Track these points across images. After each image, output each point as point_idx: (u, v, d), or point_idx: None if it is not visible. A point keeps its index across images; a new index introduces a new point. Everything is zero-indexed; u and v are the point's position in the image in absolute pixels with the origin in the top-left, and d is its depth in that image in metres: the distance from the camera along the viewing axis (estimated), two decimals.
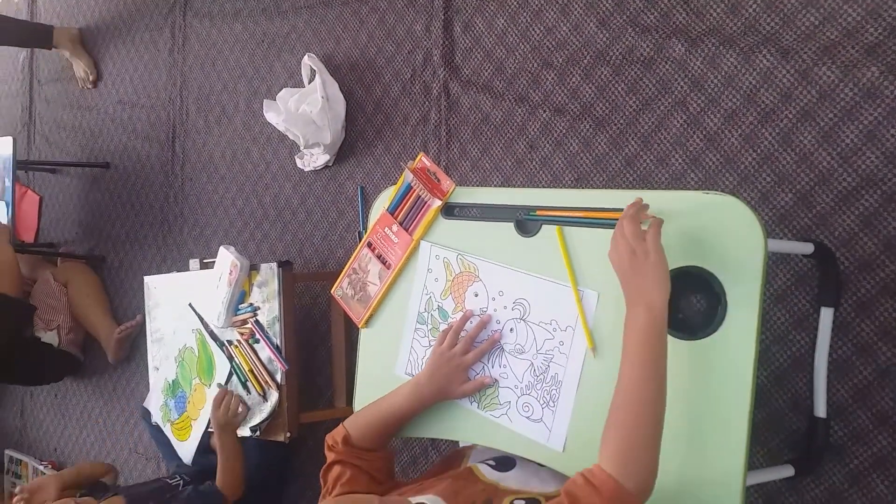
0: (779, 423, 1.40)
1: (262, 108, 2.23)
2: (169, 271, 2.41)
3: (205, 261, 2.07)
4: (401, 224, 1.30)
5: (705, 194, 1.00)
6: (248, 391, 1.86)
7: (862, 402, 1.33)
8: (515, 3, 1.85)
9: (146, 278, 2.23)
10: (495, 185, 1.86)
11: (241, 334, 1.88)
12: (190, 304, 2.02)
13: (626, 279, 0.95)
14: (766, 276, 0.94)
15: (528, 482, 1.04)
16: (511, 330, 1.14)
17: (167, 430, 2.09)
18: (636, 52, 1.64)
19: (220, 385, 1.90)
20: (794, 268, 1.41)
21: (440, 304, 1.24)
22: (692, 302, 1.02)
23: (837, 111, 1.39)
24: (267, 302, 1.84)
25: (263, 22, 2.44)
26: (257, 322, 1.85)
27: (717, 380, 0.96)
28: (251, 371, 1.86)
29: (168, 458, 2.17)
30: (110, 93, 2.98)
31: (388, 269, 1.31)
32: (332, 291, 1.41)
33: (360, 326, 1.36)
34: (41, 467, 3.02)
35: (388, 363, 1.29)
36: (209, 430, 1.93)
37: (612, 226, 1.04)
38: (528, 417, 1.11)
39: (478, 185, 1.88)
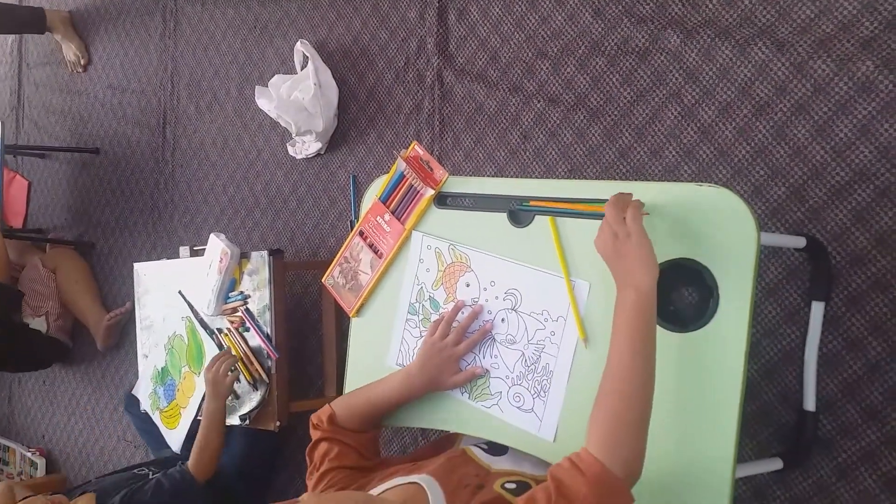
0: (768, 416, 1.41)
1: (253, 94, 2.20)
2: (159, 258, 2.40)
3: (195, 248, 2.06)
4: (393, 213, 1.29)
5: (699, 186, 0.99)
6: (238, 379, 1.86)
7: (851, 397, 1.33)
8: None
9: (136, 265, 2.21)
10: (488, 175, 1.85)
11: (232, 322, 1.87)
12: (180, 292, 2.01)
13: (612, 263, 0.95)
14: (758, 270, 0.94)
15: (520, 464, 1.04)
16: (502, 320, 1.14)
17: (156, 417, 2.08)
18: (631, 42, 1.63)
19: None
20: (786, 261, 1.41)
21: (432, 295, 1.23)
22: (684, 294, 1.02)
23: (832, 105, 1.38)
24: (257, 290, 1.83)
25: (256, 7, 2.42)
26: (247, 310, 1.84)
27: (708, 372, 0.96)
28: (241, 360, 1.85)
29: (154, 448, 2.16)
30: (100, 77, 2.95)
31: (380, 258, 1.31)
32: (323, 280, 1.40)
33: (350, 316, 1.35)
34: (29, 454, 3.01)
35: (378, 353, 1.29)
36: (199, 418, 1.92)
37: (602, 216, 1.04)
38: (518, 408, 1.11)
39: (471, 175, 1.87)
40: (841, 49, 1.38)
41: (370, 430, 1.19)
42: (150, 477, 1.77)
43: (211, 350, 1.91)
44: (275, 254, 1.83)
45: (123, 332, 2.71)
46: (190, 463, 1.76)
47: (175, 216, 2.64)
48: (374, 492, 0.98)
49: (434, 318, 1.21)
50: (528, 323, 1.11)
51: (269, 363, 1.81)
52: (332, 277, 1.38)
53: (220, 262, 1.86)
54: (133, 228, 2.77)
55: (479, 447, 1.10)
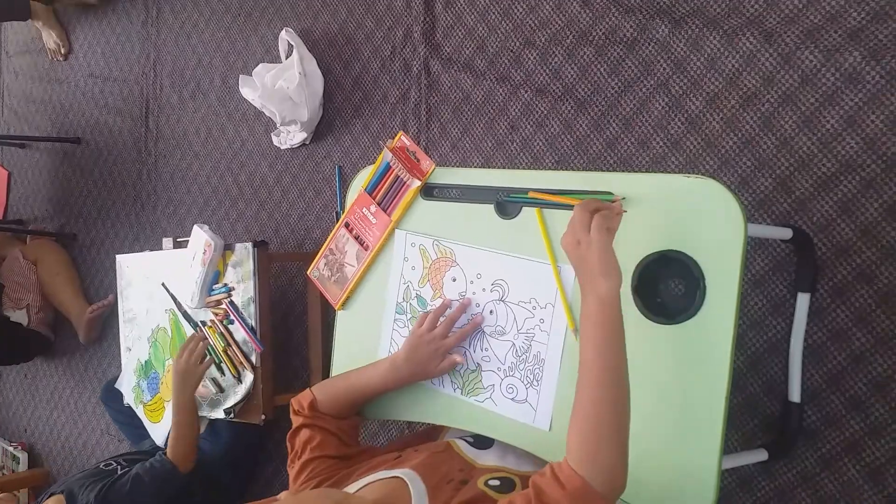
0: (753, 407, 1.41)
1: (237, 83, 2.18)
2: (142, 250, 2.37)
3: (178, 240, 2.03)
4: (379, 204, 1.28)
5: (686, 178, 0.99)
6: (223, 373, 1.84)
7: (835, 388, 1.34)
8: None
9: (118, 257, 2.18)
10: (475, 166, 1.84)
11: (216, 315, 1.85)
12: (163, 284, 1.99)
13: (576, 270, 0.95)
14: (745, 261, 0.93)
15: (505, 458, 1.04)
16: (491, 312, 1.13)
17: (140, 411, 2.06)
18: (619, 32, 1.62)
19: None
20: (772, 253, 1.41)
21: (418, 293, 1.22)
22: (671, 286, 1.01)
23: (818, 96, 1.38)
24: (242, 282, 1.81)
25: None
26: (232, 303, 1.82)
27: (695, 364, 0.96)
28: (225, 352, 1.83)
29: (134, 441, 2.14)
30: (81, 66, 2.90)
31: (366, 250, 1.29)
32: (308, 273, 1.38)
33: (336, 308, 1.34)
34: (11, 448, 2.98)
35: (365, 346, 1.28)
36: None
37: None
38: (512, 399, 1.10)
39: (458, 166, 1.86)
40: (828, 40, 1.37)
41: (351, 416, 1.18)
42: (120, 471, 1.74)
43: None
44: (259, 245, 1.81)
45: (106, 325, 2.68)
46: (168, 454, 1.73)
47: (158, 207, 2.61)
48: (357, 485, 0.97)
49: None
50: (517, 312, 1.11)
51: (254, 356, 1.79)
52: (318, 270, 1.37)
53: (204, 253, 1.84)
54: (115, 219, 2.73)
55: (465, 440, 1.09)
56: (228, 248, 1.85)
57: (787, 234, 1.31)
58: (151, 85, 2.64)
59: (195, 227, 1.88)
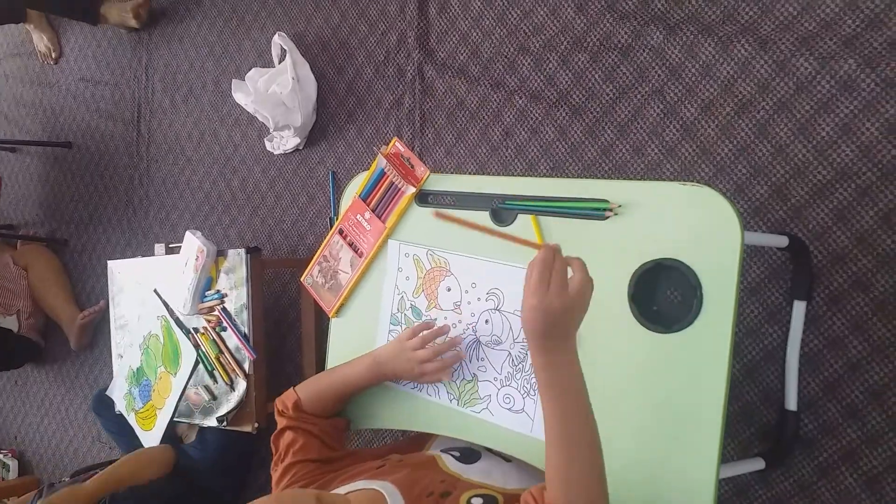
0: (750, 415, 1.40)
1: (230, 88, 2.16)
2: (133, 256, 2.35)
3: (170, 245, 2.02)
4: (373, 211, 1.27)
5: (683, 185, 0.98)
6: (215, 380, 1.82)
7: (832, 396, 1.33)
8: None
9: (110, 263, 2.16)
10: (470, 173, 1.83)
11: (208, 322, 1.83)
12: (155, 290, 1.97)
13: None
14: (742, 270, 0.93)
15: (490, 478, 1.02)
16: (486, 321, 1.12)
17: (131, 419, 2.04)
18: (614, 38, 1.62)
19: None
20: (768, 260, 1.41)
21: (413, 303, 1.21)
22: (667, 294, 1.01)
23: (814, 103, 1.38)
24: (235, 289, 1.80)
25: None
26: (224, 309, 1.81)
27: (692, 373, 0.95)
28: (218, 359, 1.81)
29: (125, 449, 2.12)
30: (72, 69, 2.88)
31: (360, 257, 1.28)
32: (301, 280, 1.37)
33: (330, 316, 1.33)
34: (1, 456, 2.95)
35: (359, 354, 1.26)
36: (174, 419, 1.89)
37: (587, 216, 1.03)
38: (509, 409, 1.09)
39: (452, 172, 1.85)
40: (823, 47, 1.37)
41: (334, 414, 1.18)
42: None
43: (187, 350, 1.87)
44: (252, 251, 1.80)
45: (97, 332, 2.65)
46: None
47: (150, 212, 2.59)
48: (337, 493, 0.96)
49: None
50: (513, 321, 1.10)
51: (247, 363, 1.78)
52: (312, 276, 1.35)
53: (197, 259, 1.82)
54: (107, 225, 2.71)
55: (451, 454, 1.08)
56: (221, 254, 1.84)
57: (783, 241, 1.30)
58: (143, 89, 2.63)
59: (187, 232, 1.86)
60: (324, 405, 1.17)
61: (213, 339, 1.82)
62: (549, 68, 1.71)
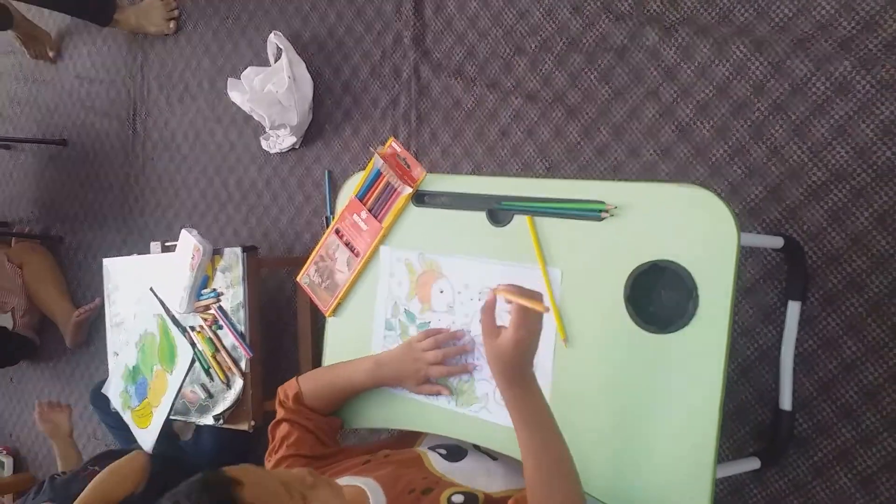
0: (744, 414, 1.41)
1: (225, 86, 2.16)
2: (129, 254, 2.33)
3: (166, 244, 2.01)
4: (370, 211, 1.27)
5: (679, 187, 0.98)
6: (212, 378, 1.82)
7: (826, 396, 1.34)
8: None
9: (105, 261, 2.16)
10: (466, 173, 1.83)
11: (204, 320, 1.83)
12: (151, 289, 1.97)
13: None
14: (738, 271, 0.93)
15: (474, 477, 1.03)
16: (480, 321, 1.12)
17: (127, 417, 2.04)
18: (609, 39, 1.62)
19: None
20: (763, 261, 1.41)
21: (406, 308, 1.22)
22: (663, 295, 1.01)
23: (809, 105, 1.39)
24: (231, 287, 1.80)
25: None
26: (220, 308, 1.81)
27: (688, 374, 0.95)
28: (214, 358, 1.81)
29: (124, 445, 2.12)
30: (67, 67, 2.87)
31: (357, 256, 1.28)
32: (297, 279, 1.37)
33: (326, 315, 1.33)
34: None
35: (356, 354, 1.26)
36: (171, 416, 1.89)
37: (583, 217, 1.03)
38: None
39: (448, 172, 1.85)
40: (819, 49, 1.38)
41: (333, 411, 1.20)
42: None
43: (183, 348, 1.87)
44: (249, 250, 1.79)
45: (93, 329, 2.65)
46: None
47: (146, 211, 2.58)
48: None
49: (412, 330, 1.20)
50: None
51: (244, 362, 1.78)
52: (308, 276, 1.35)
53: (193, 258, 1.82)
54: (103, 223, 2.71)
55: (438, 451, 1.09)
56: (217, 252, 1.83)
57: (778, 242, 1.31)
58: (139, 87, 2.62)
59: (183, 231, 1.86)
60: (323, 401, 1.18)
61: (210, 337, 1.82)
62: (545, 69, 1.71)
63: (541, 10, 1.72)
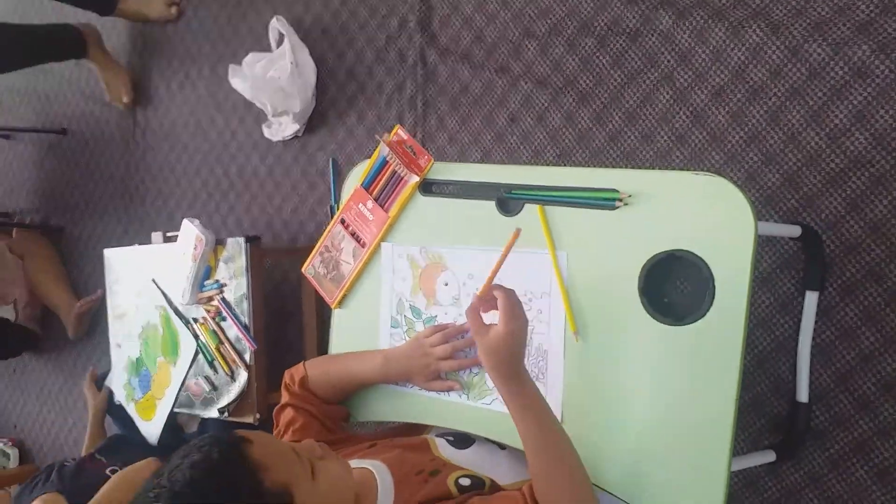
0: (760, 406, 1.39)
1: (226, 73, 2.12)
2: (130, 244, 2.31)
3: (168, 234, 1.98)
4: (376, 200, 1.24)
5: (694, 175, 0.95)
6: (216, 370, 1.80)
7: (844, 387, 1.32)
8: None
9: (106, 251, 2.14)
10: (474, 160, 1.80)
11: (208, 311, 1.81)
12: (153, 280, 1.94)
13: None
14: (755, 261, 0.91)
15: (480, 465, 1.03)
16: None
17: (131, 409, 2.02)
18: (622, 23, 1.58)
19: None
20: (780, 250, 1.38)
21: (411, 303, 1.20)
22: (679, 286, 0.98)
23: (827, 90, 1.35)
24: (234, 278, 1.77)
25: None
26: (224, 299, 1.78)
27: (703, 366, 0.93)
28: (218, 350, 1.79)
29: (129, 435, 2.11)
30: None
31: (363, 247, 1.26)
32: (303, 270, 1.35)
33: (332, 307, 1.30)
34: (1, 445, 2.94)
35: (362, 347, 1.25)
36: (176, 410, 1.87)
37: (596, 206, 1.00)
38: None
39: (456, 159, 1.82)
40: (836, 33, 1.34)
41: (338, 401, 1.19)
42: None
43: (186, 340, 1.85)
44: (252, 240, 1.77)
45: (95, 320, 2.63)
46: None
47: (147, 200, 2.55)
48: None
49: (418, 326, 1.18)
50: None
51: (248, 353, 1.75)
52: (313, 267, 1.33)
53: (195, 248, 1.80)
54: (103, 213, 2.68)
55: (446, 438, 1.09)
56: (220, 242, 1.81)
57: (795, 231, 1.28)
58: (138, 75, 2.59)
59: (185, 221, 1.84)
60: (329, 390, 1.17)
61: (213, 329, 1.80)
62: (556, 53, 1.68)
63: None
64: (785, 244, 1.38)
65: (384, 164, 1.23)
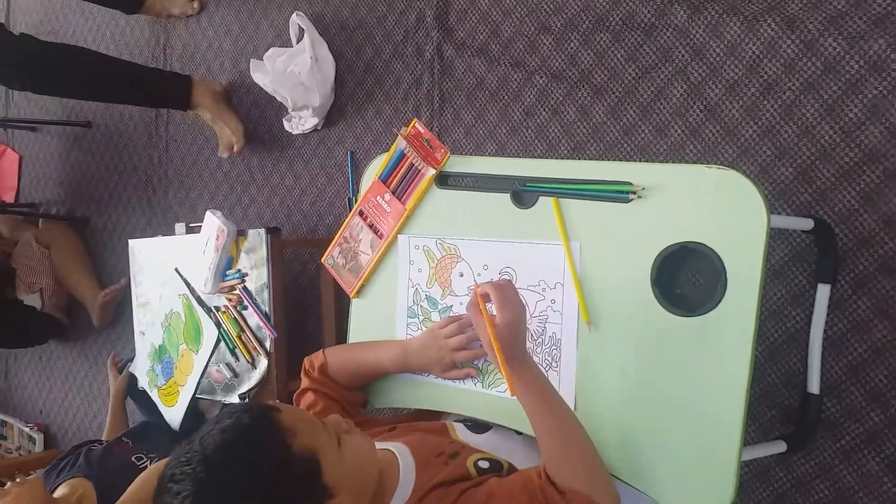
0: (772, 397, 1.40)
1: (248, 67, 2.16)
2: (154, 235, 2.36)
3: (191, 225, 2.02)
4: (393, 193, 1.26)
5: (708, 168, 0.97)
6: (237, 358, 1.84)
7: (855, 379, 1.33)
8: None
9: (131, 242, 2.18)
10: (489, 153, 1.82)
11: (229, 300, 1.85)
12: (176, 269, 1.99)
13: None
14: (767, 254, 0.92)
15: (497, 450, 1.04)
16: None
17: (154, 395, 2.07)
18: (637, 17, 1.59)
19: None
20: (792, 243, 1.39)
21: (427, 294, 1.22)
22: (691, 278, 1.00)
23: (842, 84, 1.35)
24: (255, 268, 1.81)
25: None
26: (245, 289, 1.82)
27: (715, 357, 0.95)
28: (239, 338, 1.83)
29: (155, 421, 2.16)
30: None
31: (381, 238, 1.28)
32: (322, 260, 1.38)
33: (351, 297, 1.33)
34: (28, 430, 3.01)
35: (380, 336, 1.27)
36: (197, 395, 1.91)
37: (610, 198, 1.02)
38: None
39: (471, 153, 1.84)
40: (852, 26, 1.34)
41: (356, 389, 1.21)
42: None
43: (208, 328, 1.89)
44: (272, 231, 1.80)
45: (119, 309, 2.68)
46: None
47: (170, 192, 2.60)
48: None
49: (434, 316, 1.20)
50: (528, 297, 1.10)
51: (268, 341, 1.79)
52: (332, 257, 1.36)
53: (217, 239, 1.83)
54: (127, 204, 2.73)
55: (464, 423, 1.11)
56: (241, 233, 1.84)
57: (808, 224, 1.29)
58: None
59: (207, 212, 1.87)
60: (347, 377, 1.19)
61: (235, 317, 1.84)
62: (571, 47, 1.69)
63: None
64: (797, 237, 1.39)
65: (402, 157, 1.26)
